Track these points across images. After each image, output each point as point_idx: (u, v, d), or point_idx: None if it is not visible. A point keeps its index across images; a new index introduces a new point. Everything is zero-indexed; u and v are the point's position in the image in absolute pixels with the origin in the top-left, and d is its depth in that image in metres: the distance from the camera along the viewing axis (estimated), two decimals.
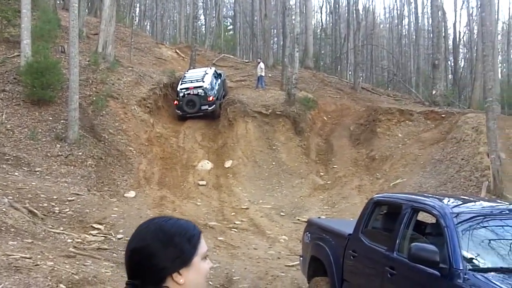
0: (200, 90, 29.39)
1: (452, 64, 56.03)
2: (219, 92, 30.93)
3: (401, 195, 8.46)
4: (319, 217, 12.32)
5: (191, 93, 29.44)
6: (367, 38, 58.34)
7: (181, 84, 30.24)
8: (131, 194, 21.09)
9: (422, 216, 7.51)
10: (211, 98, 29.56)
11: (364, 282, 7.77)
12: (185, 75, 31.73)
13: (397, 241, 6.87)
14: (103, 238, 14.84)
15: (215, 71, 32.08)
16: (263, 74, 33.78)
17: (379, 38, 68.84)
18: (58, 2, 44.26)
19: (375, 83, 52.86)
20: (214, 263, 13.60)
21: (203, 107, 29.46)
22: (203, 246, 2.10)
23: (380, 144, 26.51)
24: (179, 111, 29.81)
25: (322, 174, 25.68)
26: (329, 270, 8.20)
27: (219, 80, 31.60)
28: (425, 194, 10.62)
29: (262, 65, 34.11)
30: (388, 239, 7.15)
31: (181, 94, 29.62)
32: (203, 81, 29.87)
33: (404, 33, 68.12)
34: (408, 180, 22.45)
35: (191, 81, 30.16)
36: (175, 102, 30.09)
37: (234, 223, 19.13)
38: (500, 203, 8.63)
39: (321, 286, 8.32)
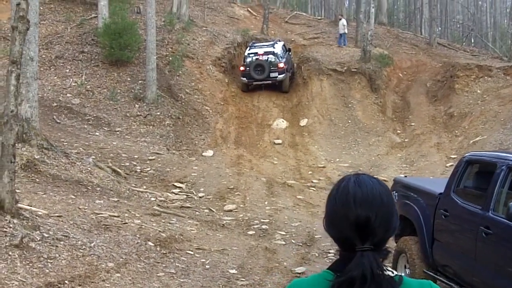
0: (270, 56, 27.20)
1: None
2: (288, 63, 28.51)
3: (495, 153, 8.21)
4: (405, 176, 12.07)
5: (260, 58, 27.27)
6: None
7: (249, 49, 28.40)
8: (209, 153, 21.30)
9: None
10: (281, 65, 27.24)
11: (456, 241, 7.63)
12: (253, 44, 29.47)
13: (493, 200, 6.70)
14: (185, 196, 15.11)
15: (283, 44, 29.77)
16: (346, 31, 33.26)
17: None
18: None
19: (451, 39, 51.38)
20: (295, 221, 13.69)
21: (272, 74, 27.10)
22: None
23: (459, 100, 25.82)
24: (244, 78, 27.41)
25: (399, 132, 25.29)
26: (419, 230, 8.07)
27: (288, 54, 29.25)
28: None
29: (344, 21, 33.44)
30: (483, 198, 6.97)
31: (248, 59, 27.44)
32: (274, 47, 28.06)
33: None
34: (488, 138, 21.84)
35: (261, 47, 28.35)
36: (241, 68, 27.73)
37: (312, 182, 19.09)
38: None
39: (410, 245, 8.21)
